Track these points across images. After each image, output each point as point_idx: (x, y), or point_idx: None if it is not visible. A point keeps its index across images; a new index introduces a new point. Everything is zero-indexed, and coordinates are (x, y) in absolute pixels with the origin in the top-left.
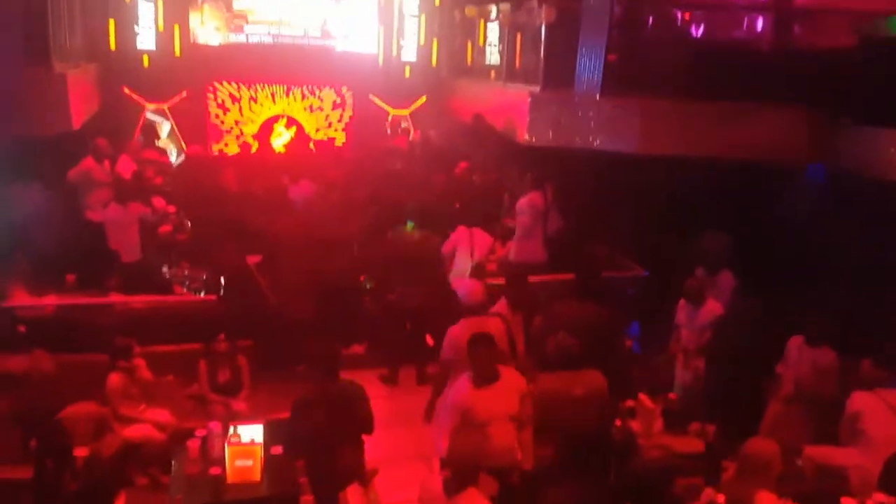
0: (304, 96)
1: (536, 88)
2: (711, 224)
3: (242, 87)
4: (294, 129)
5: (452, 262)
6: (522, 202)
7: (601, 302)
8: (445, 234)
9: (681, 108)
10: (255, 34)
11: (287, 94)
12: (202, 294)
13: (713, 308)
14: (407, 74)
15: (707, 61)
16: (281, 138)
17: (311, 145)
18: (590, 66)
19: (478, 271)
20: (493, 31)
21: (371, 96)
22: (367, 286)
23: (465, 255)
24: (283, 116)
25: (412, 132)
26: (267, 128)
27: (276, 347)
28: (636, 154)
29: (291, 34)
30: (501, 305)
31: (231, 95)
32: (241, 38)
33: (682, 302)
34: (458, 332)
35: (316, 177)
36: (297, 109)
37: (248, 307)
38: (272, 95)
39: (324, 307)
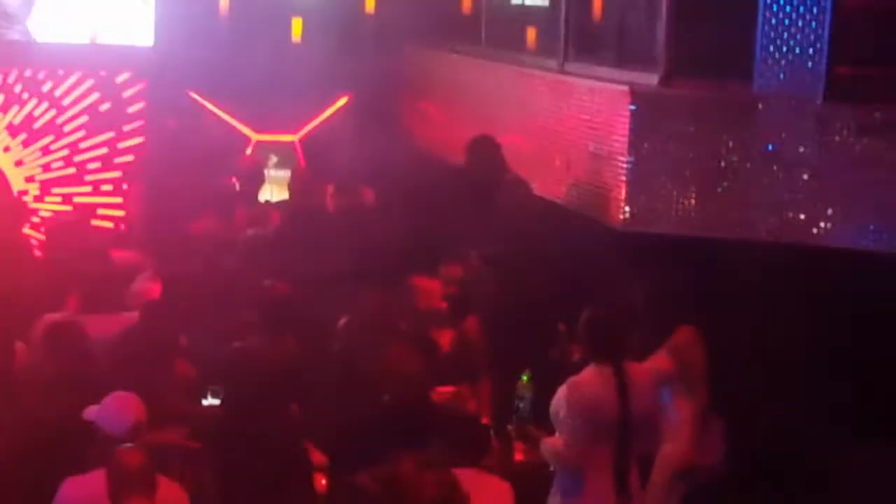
0: (6, 100)
1: (651, 78)
2: None
3: None
4: None
5: None
6: (577, 394)
7: None
8: None
9: None
10: None
11: None
12: None
13: None
14: (296, 34)
15: None
16: None
17: (29, 229)
18: (794, 27)
19: None
20: None
21: (198, 98)
22: None
23: None
24: None
25: (301, 187)
26: None
27: None
28: None
29: None
30: None
31: None
32: None
33: None
34: None
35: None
36: None
37: None
38: None
39: None
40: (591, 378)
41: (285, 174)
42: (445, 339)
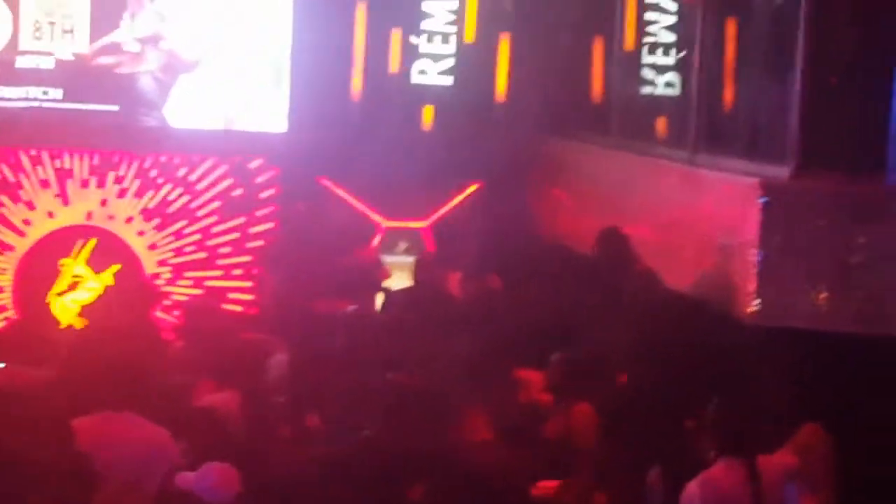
0: (142, 185)
1: (781, 170)
2: None
3: None
4: (112, 270)
5: None
6: (710, 490)
7: None
8: None
9: None
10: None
11: (99, 181)
12: None
13: None
14: (427, 121)
15: None
16: (77, 293)
17: (162, 314)
18: None
19: None
20: (664, 21)
21: (329, 184)
22: None
23: None
24: (83, 233)
25: (426, 273)
26: (39, 267)
27: None
28: None
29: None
30: None
31: None
32: None
33: None
34: None
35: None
36: (121, 216)
37: None
38: (57, 180)
39: None
40: (722, 473)
41: (412, 260)
42: (550, 431)
